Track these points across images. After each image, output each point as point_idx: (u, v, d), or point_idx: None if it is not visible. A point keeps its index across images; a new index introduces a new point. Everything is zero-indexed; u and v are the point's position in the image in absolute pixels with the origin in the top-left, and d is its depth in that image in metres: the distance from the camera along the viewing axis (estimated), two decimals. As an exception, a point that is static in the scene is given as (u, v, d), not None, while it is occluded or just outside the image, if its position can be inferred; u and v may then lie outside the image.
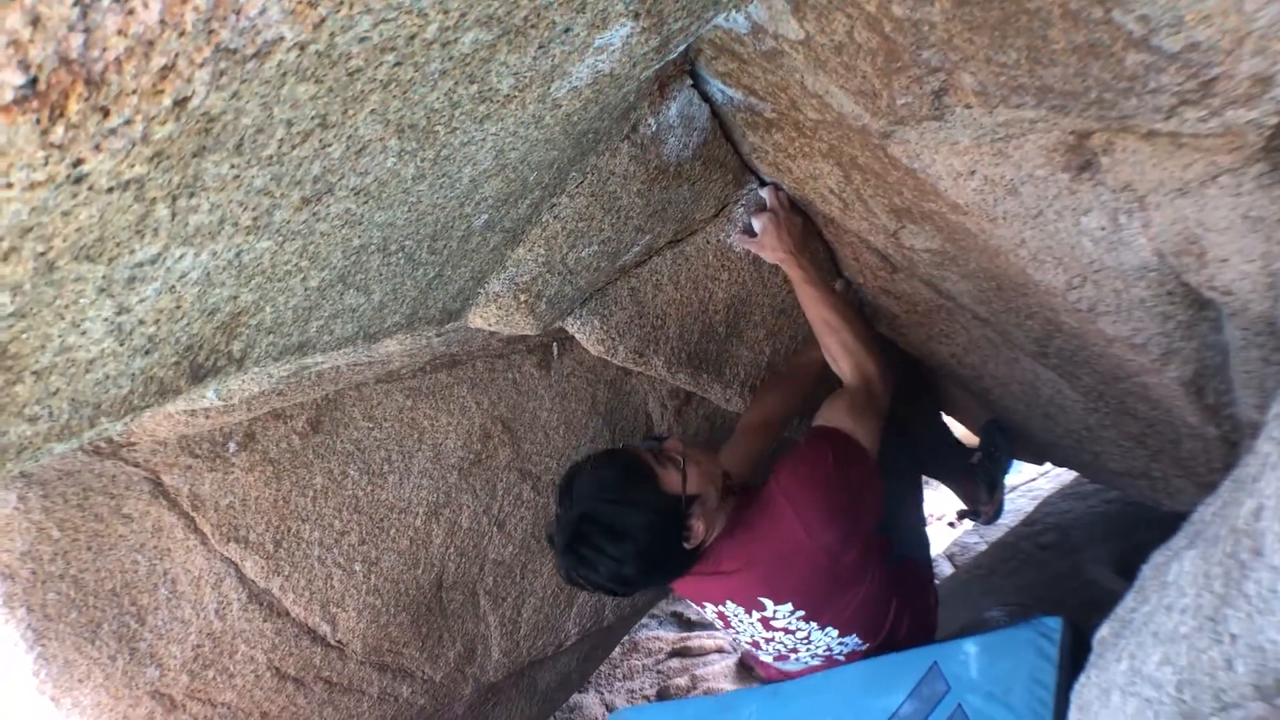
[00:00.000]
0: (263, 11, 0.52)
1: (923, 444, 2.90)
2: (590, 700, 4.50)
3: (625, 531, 1.85)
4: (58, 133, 0.47)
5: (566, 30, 0.98)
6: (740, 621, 2.14)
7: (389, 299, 1.45)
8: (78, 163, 0.50)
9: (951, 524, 5.76)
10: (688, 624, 5.15)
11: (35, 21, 0.43)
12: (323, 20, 0.57)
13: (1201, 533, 1.12)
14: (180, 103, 0.52)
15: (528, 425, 2.78)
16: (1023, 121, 1.35)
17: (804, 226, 2.34)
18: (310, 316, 1.24)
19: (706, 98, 1.95)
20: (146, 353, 0.93)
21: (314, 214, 0.90)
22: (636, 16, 1.09)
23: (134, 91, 0.49)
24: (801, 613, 2.07)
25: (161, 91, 0.51)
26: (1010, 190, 1.56)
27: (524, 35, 0.91)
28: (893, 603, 2.18)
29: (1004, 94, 1.28)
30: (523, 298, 1.95)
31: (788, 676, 2.33)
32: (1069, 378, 2.25)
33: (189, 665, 2.62)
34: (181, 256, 0.77)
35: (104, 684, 2.56)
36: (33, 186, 0.49)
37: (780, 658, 2.23)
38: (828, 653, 2.17)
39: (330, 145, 0.78)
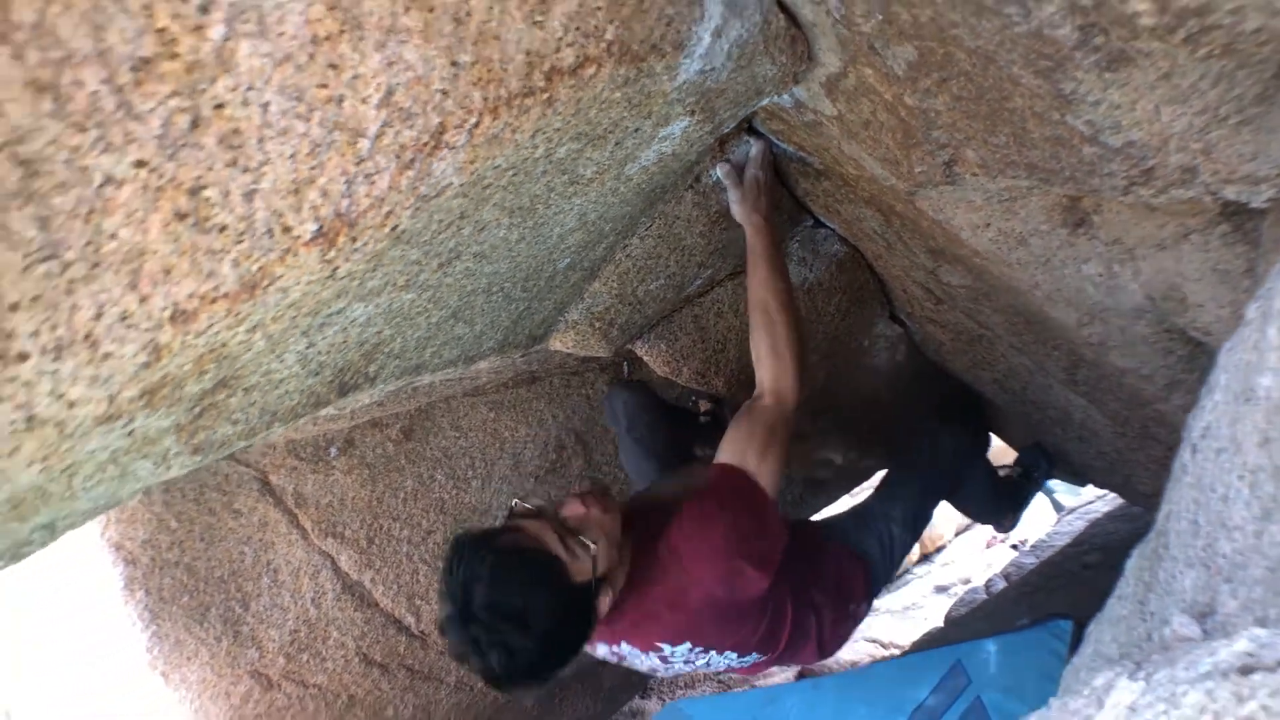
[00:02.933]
0: (444, 171, 0.86)
1: (967, 485, 3.02)
2: (652, 705, 4.73)
3: (533, 631, 1.69)
4: (330, 255, 0.81)
5: (636, 130, 1.32)
6: (636, 659, 2.11)
7: (487, 328, 1.79)
8: (335, 269, 0.85)
9: (1015, 546, 5.94)
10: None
11: (325, 194, 0.77)
12: (478, 169, 0.91)
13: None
14: (393, 229, 0.86)
15: (599, 437, 3.11)
16: (1020, 187, 1.65)
17: (780, 198, 2.32)
18: (427, 345, 1.59)
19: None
20: (315, 374, 1.28)
21: (444, 273, 1.24)
22: (692, 114, 1.42)
23: (371, 226, 0.83)
24: (700, 649, 2.07)
25: (385, 224, 0.84)
26: (1021, 241, 1.85)
27: (604, 139, 1.25)
28: (789, 613, 2.22)
29: (1001, 167, 1.58)
30: (597, 325, 2.29)
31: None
32: (1098, 404, 2.51)
33: (286, 648, 2.96)
34: (356, 308, 1.11)
35: (209, 662, 2.90)
36: (309, 284, 0.83)
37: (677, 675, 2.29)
38: (728, 667, 2.22)
39: (463, 228, 1.12)
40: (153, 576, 2.80)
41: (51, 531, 1.31)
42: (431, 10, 0.79)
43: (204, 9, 0.67)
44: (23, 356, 0.67)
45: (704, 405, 3.10)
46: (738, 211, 2.16)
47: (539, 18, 0.89)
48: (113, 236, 0.67)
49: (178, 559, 2.82)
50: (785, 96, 1.76)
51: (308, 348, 1.14)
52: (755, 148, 2.16)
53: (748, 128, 2.14)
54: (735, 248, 2.45)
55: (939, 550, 6.62)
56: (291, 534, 2.91)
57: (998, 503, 3.15)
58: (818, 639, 2.32)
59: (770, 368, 2.07)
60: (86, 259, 0.67)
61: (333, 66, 0.74)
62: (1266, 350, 0.94)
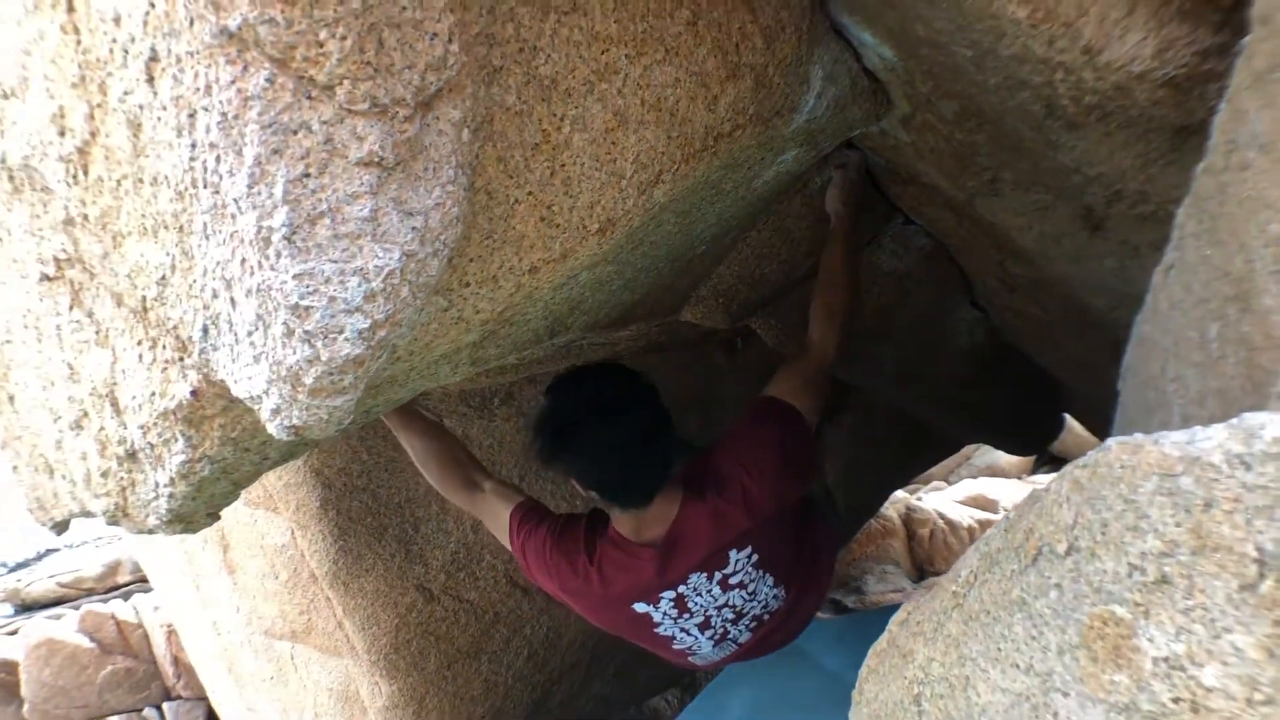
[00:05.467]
0: (659, 196, 1.70)
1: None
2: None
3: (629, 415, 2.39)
4: (601, 241, 1.65)
5: (762, 159, 2.13)
6: (700, 597, 2.53)
7: (643, 298, 2.62)
8: (603, 248, 1.68)
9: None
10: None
11: (604, 208, 1.60)
12: (673, 193, 1.74)
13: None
14: (630, 229, 1.70)
15: (715, 400, 3.92)
16: (1046, 199, 2.40)
17: (864, 196, 3.01)
18: (604, 306, 2.42)
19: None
20: (544, 319, 2.12)
21: (632, 253, 2.07)
22: (801, 145, 2.23)
23: (623, 226, 1.67)
24: (756, 557, 2.51)
25: (628, 225, 1.68)
26: (1055, 240, 2.61)
27: (740, 166, 2.07)
28: (802, 559, 2.73)
29: (1028, 184, 2.35)
30: (720, 301, 3.10)
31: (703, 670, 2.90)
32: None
33: (446, 567, 3.80)
34: (583, 274, 1.93)
35: (383, 575, 3.72)
36: (588, 256, 1.67)
37: (720, 639, 2.67)
38: (764, 610, 2.64)
39: (649, 230, 1.94)
40: (344, 499, 3.64)
41: (368, 415, 2.17)
42: (660, 111, 1.62)
43: (561, 117, 1.51)
44: (466, 285, 1.52)
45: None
46: (828, 200, 2.94)
47: (712, 108, 1.72)
48: (513, 228, 1.52)
49: (365, 485, 3.66)
50: (874, 127, 2.55)
51: (549, 301, 1.97)
52: (852, 157, 2.94)
53: (848, 143, 2.92)
54: (836, 240, 3.24)
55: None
56: (457, 470, 3.74)
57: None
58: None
59: (824, 328, 2.71)
60: (500, 238, 1.52)
61: (613, 144, 1.58)
62: (1141, 320, 1.72)
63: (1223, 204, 1.30)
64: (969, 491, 7.31)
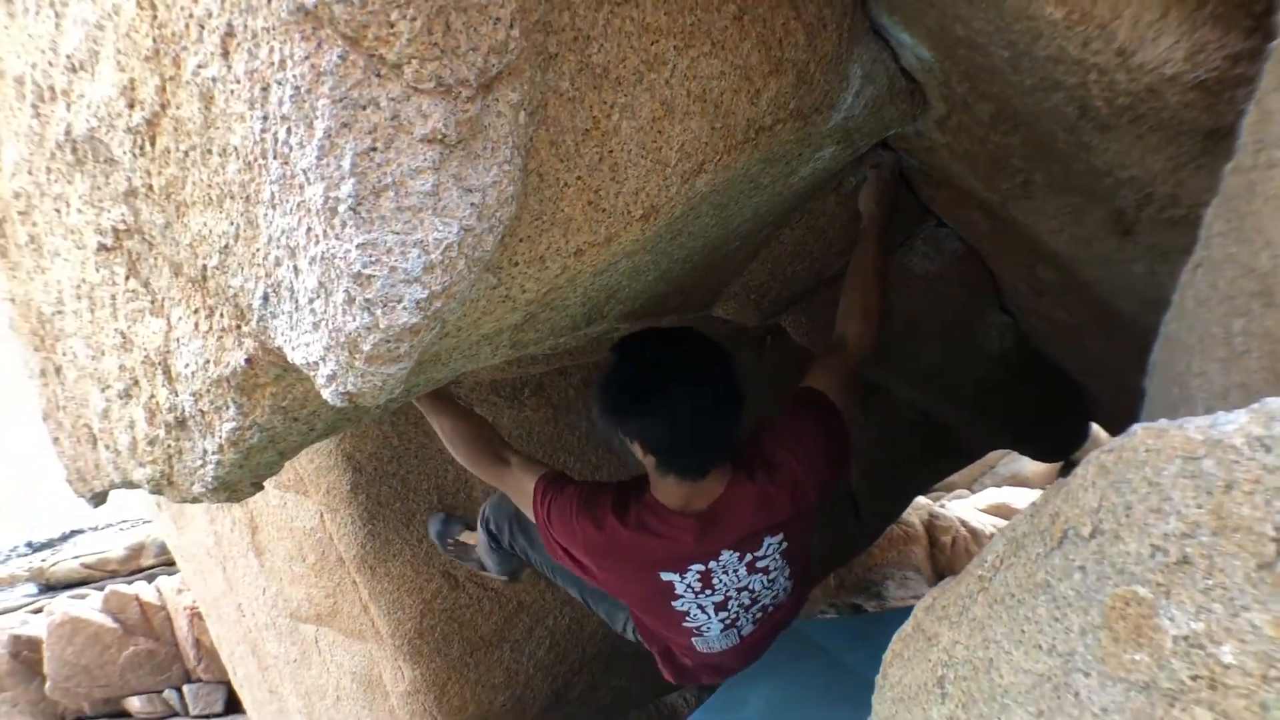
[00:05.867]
0: (700, 185, 1.77)
1: None
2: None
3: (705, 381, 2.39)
4: (644, 227, 1.71)
5: (799, 154, 2.19)
6: (726, 575, 2.59)
7: (676, 291, 2.69)
8: (645, 234, 1.74)
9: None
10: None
11: (649, 195, 1.67)
12: (714, 183, 1.80)
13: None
14: (672, 217, 1.76)
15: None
16: (1077, 203, 2.45)
17: (898, 197, 3.06)
18: (639, 296, 2.48)
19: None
20: (582, 306, 2.18)
21: (669, 243, 2.14)
22: (838, 143, 2.29)
23: (665, 214, 1.74)
24: (785, 545, 2.59)
25: (671, 214, 1.75)
26: (1086, 243, 2.66)
27: (778, 160, 2.13)
28: (807, 555, 2.78)
29: (1060, 188, 2.40)
30: (752, 297, 3.16)
31: (700, 659, 2.90)
32: (1167, 387, 3.28)
33: None
34: (622, 262, 2.00)
35: (410, 561, 3.81)
36: (631, 241, 1.73)
37: (729, 625, 2.72)
38: (773, 600, 2.73)
39: (688, 220, 2.01)
40: (374, 484, 3.72)
41: (408, 393, 2.24)
42: (705, 103, 1.69)
43: (611, 105, 1.57)
44: (515, 264, 1.59)
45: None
46: (862, 200, 2.98)
47: (754, 101, 1.78)
48: (562, 210, 1.59)
49: (395, 471, 3.74)
50: (909, 128, 2.60)
51: (589, 286, 2.04)
52: (887, 158, 3.00)
53: (883, 144, 2.98)
54: (867, 240, 3.29)
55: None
56: (486, 459, 3.81)
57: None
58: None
59: (859, 325, 2.76)
60: (549, 219, 1.59)
61: (659, 132, 1.64)
62: (1168, 319, 1.77)
63: (1249, 202, 1.35)
64: (992, 500, 7.38)
